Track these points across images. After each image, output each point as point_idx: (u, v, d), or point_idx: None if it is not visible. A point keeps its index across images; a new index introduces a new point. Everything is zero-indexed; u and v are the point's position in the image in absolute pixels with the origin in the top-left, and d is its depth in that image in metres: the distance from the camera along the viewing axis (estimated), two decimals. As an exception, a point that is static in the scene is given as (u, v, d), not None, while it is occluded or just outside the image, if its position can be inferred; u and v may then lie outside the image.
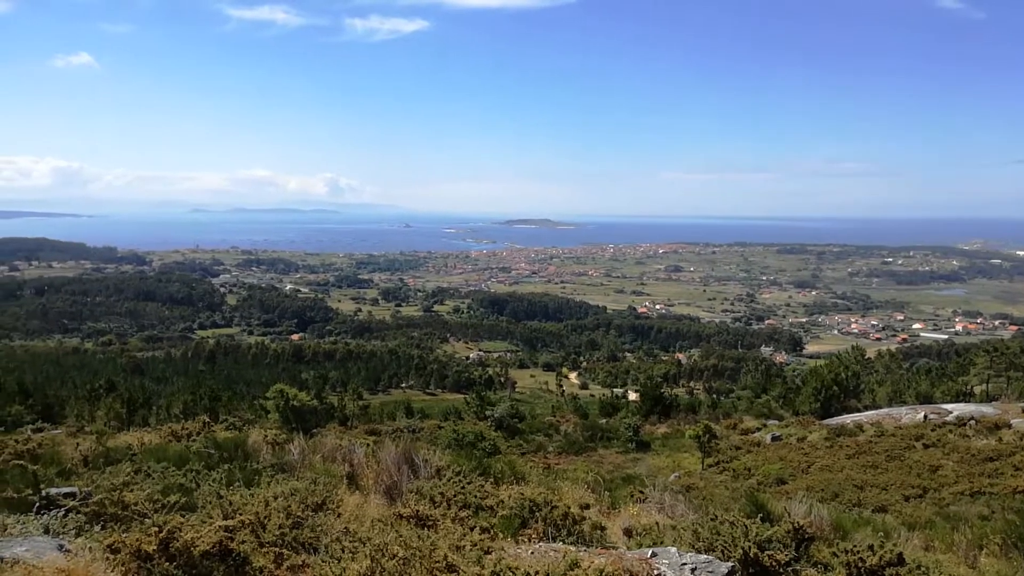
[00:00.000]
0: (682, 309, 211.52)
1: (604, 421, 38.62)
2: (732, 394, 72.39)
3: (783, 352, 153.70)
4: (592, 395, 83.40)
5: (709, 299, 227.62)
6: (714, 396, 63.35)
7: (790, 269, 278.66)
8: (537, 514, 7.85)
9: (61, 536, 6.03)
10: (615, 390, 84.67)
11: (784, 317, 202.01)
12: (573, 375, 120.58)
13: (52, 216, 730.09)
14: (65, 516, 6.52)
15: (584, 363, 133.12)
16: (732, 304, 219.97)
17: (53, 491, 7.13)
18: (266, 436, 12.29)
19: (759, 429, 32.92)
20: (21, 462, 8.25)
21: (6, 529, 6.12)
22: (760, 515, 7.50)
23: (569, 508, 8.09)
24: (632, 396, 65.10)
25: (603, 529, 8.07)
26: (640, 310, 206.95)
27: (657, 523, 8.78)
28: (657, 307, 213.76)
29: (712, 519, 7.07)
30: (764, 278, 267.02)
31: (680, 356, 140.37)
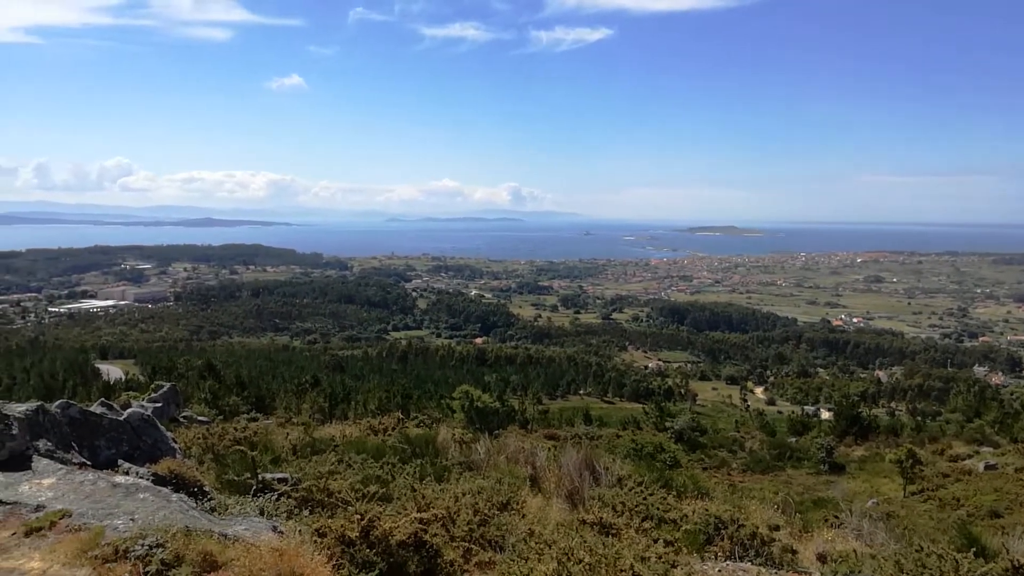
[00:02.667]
0: (882, 323, 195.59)
1: (793, 440, 36.54)
2: (939, 417, 66.38)
3: (999, 373, 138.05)
4: (780, 412, 79.36)
5: (914, 313, 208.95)
6: (918, 418, 58.14)
7: (1009, 281, 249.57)
8: (723, 531, 7.61)
9: (274, 518, 6.57)
10: (805, 407, 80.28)
11: (1001, 334, 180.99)
12: (759, 390, 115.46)
13: (267, 224, 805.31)
14: (278, 500, 7.12)
15: (771, 377, 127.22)
16: (940, 319, 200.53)
17: (268, 476, 7.83)
18: (453, 434, 12.80)
19: (970, 456, 29.74)
20: (241, 448, 9.15)
21: (227, 509, 6.75)
22: (972, 549, 6.82)
23: (757, 528, 7.76)
24: (825, 415, 61.58)
25: (794, 553, 7.67)
26: (835, 323, 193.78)
27: (855, 551, 8.21)
28: (854, 320, 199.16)
29: (917, 550, 6.51)
30: (978, 291, 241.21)
31: (880, 374, 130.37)
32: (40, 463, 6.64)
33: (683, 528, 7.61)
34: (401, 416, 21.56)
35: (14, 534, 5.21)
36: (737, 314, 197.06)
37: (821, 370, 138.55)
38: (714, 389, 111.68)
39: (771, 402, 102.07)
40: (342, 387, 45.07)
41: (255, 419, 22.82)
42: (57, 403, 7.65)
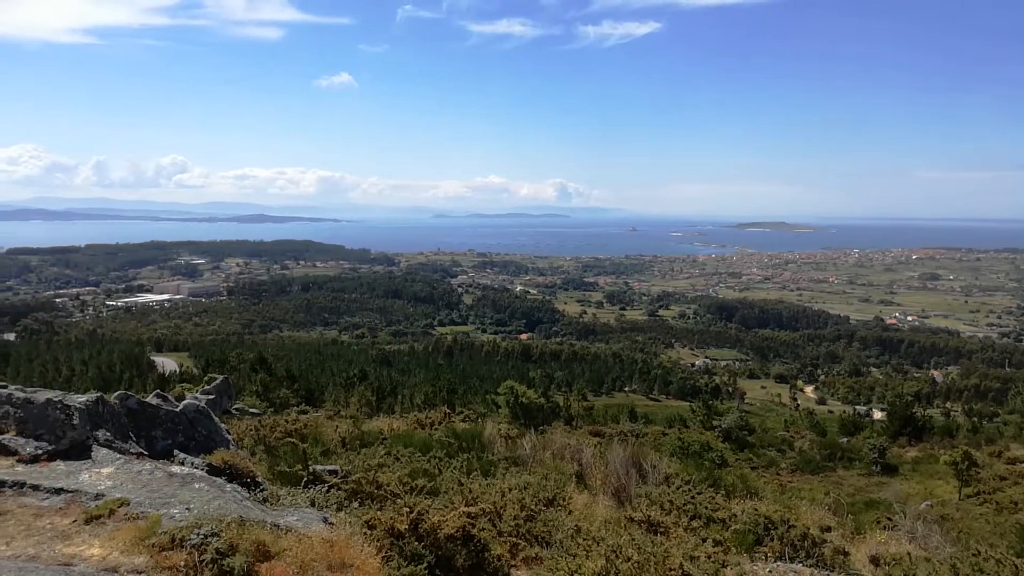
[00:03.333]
0: (938, 321, 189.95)
1: (844, 440, 35.77)
2: (997, 418, 64.61)
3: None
4: (830, 411, 77.86)
5: (971, 311, 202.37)
6: (975, 419, 56.45)
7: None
8: (773, 532, 7.49)
9: (324, 510, 6.67)
10: (857, 407, 78.70)
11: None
12: (809, 389, 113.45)
13: (317, 221, 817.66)
14: (328, 492, 7.23)
15: (822, 376, 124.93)
16: (999, 317, 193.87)
17: (318, 468, 7.95)
18: (499, 430, 12.82)
19: (1031, 460, 28.70)
20: (292, 440, 9.31)
21: (279, 500, 6.87)
22: (1033, 555, 6.59)
23: (808, 529, 7.62)
24: (877, 415, 60.28)
25: (846, 555, 7.51)
26: (888, 321, 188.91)
27: (908, 554, 7.99)
28: (908, 319, 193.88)
29: (974, 554, 6.31)
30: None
31: (935, 373, 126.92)
32: (99, 452, 6.84)
33: (732, 528, 7.51)
34: (447, 411, 21.69)
35: (75, 521, 5.38)
36: (787, 311, 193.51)
37: (874, 369, 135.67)
38: (763, 388, 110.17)
39: (822, 401, 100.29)
40: (389, 381, 45.59)
41: (305, 412, 23.19)
42: (116, 394, 7.88)
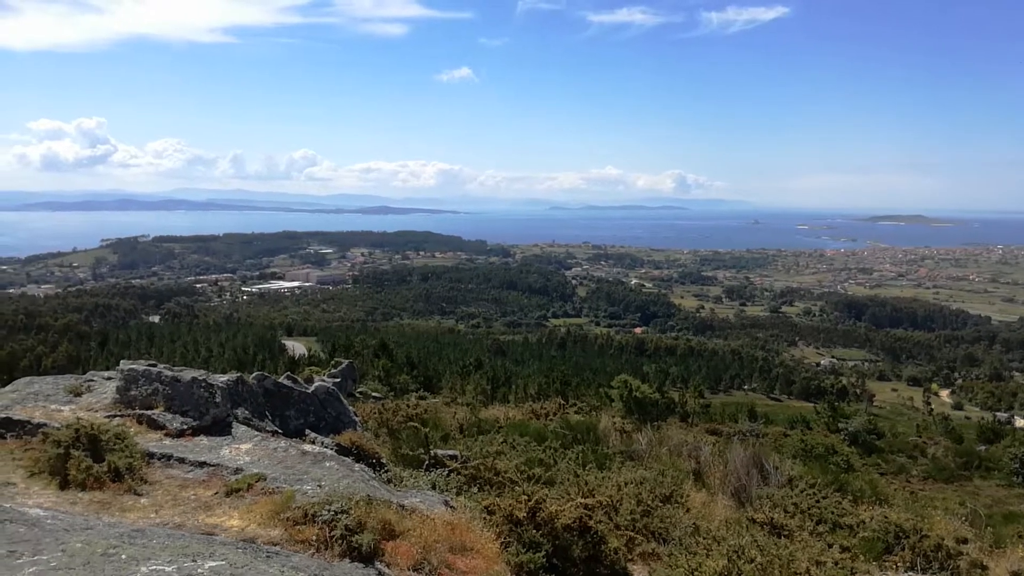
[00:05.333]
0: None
1: (982, 448, 33.41)
2: None
3: None
4: (967, 417, 72.94)
5: None
6: None
7: None
8: (904, 541, 7.15)
9: (445, 493, 6.88)
10: (997, 414, 73.49)
11: None
12: (944, 393, 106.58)
13: (437, 213, 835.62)
14: (448, 475, 7.44)
15: (959, 380, 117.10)
16: None
17: (439, 452, 8.20)
18: (614, 423, 12.77)
19: None
20: (414, 424, 9.63)
21: (402, 481, 7.13)
22: None
23: (942, 540, 7.21)
24: (1020, 422, 55.92)
25: (984, 568, 7.06)
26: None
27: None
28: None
29: None
30: None
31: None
32: (239, 429, 7.32)
33: (860, 535, 7.21)
34: (561, 402, 21.79)
35: (216, 493, 5.78)
36: (922, 310, 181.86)
37: (1017, 374, 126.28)
38: (893, 390, 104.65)
39: (958, 406, 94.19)
40: (503, 371, 46.23)
41: (423, 397, 23.91)
42: (254, 375, 8.39)
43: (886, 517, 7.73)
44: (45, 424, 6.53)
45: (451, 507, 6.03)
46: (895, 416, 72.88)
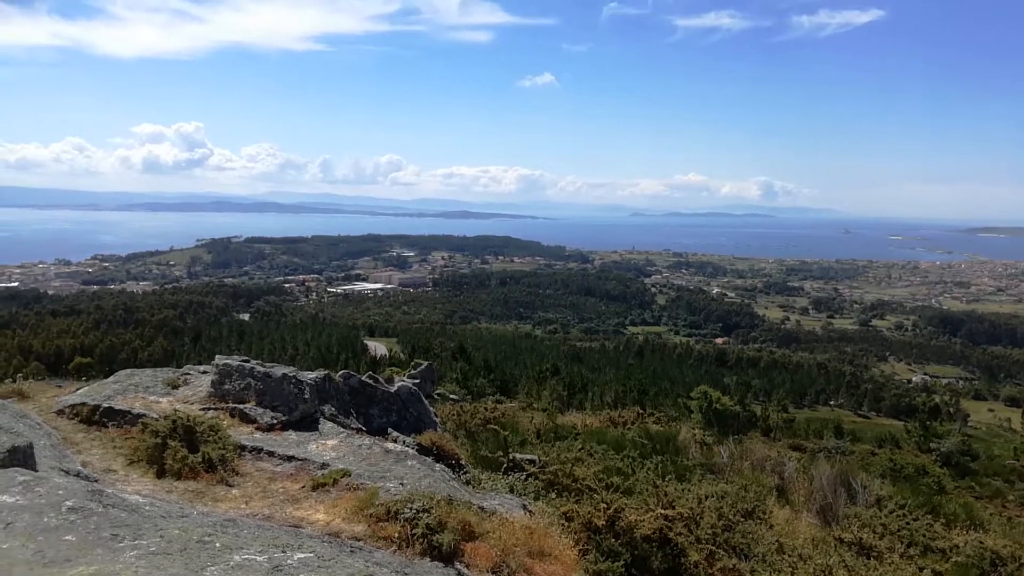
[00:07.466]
0: None
1: (1092, 476, 31.23)
2: None
3: None
4: (1076, 443, 68.25)
5: None
6: None
7: None
8: (1000, 569, 6.79)
9: (523, 497, 6.89)
10: (1110, 440, 68.10)
11: None
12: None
13: (516, 218, 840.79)
14: (526, 480, 7.46)
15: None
16: None
17: (518, 456, 8.23)
18: (694, 435, 12.54)
19: None
20: (493, 427, 9.69)
21: (481, 483, 7.19)
22: None
23: (1048, 573, 6.78)
24: None
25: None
26: None
27: None
28: None
29: None
30: None
31: None
32: (325, 426, 7.53)
33: (953, 560, 6.87)
34: (639, 411, 21.55)
35: (303, 487, 5.97)
36: (1023, 327, 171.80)
37: None
38: (990, 411, 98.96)
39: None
40: (580, 377, 45.94)
41: (500, 401, 24.01)
42: (340, 373, 8.63)
43: (981, 542, 7.36)
44: (144, 415, 6.88)
45: (529, 511, 6.03)
46: (991, 437, 68.95)
